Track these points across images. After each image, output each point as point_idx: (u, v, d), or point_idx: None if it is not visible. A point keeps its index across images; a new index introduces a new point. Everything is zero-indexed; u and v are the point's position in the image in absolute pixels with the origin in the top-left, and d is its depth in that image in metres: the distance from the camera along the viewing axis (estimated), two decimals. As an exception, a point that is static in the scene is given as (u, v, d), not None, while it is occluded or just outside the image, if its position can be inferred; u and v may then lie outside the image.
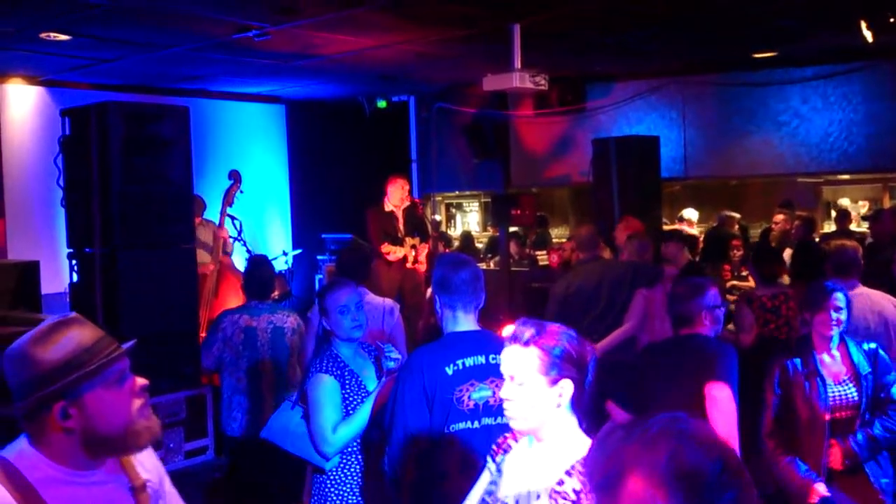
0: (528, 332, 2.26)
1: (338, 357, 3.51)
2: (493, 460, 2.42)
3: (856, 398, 3.89)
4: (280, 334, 4.92)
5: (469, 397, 2.98)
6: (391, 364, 3.45)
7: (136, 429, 1.90)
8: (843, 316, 3.91)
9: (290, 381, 4.83)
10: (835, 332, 3.93)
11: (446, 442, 2.95)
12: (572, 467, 2.13)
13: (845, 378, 3.92)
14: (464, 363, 2.99)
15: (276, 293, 8.51)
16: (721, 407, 3.41)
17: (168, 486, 2.13)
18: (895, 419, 3.89)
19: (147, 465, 2.05)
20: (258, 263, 5.27)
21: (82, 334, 1.89)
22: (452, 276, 3.06)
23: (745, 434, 3.95)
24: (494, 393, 3.01)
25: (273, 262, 9.38)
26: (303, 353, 4.86)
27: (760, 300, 5.46)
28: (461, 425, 2.97)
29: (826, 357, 3.96)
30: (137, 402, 1.91)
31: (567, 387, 2.22)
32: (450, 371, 2.97)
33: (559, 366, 2.22)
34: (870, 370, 3.92)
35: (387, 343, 3.73)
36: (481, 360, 3.02)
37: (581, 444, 2.21)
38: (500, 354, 3.08)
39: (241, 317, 4.95)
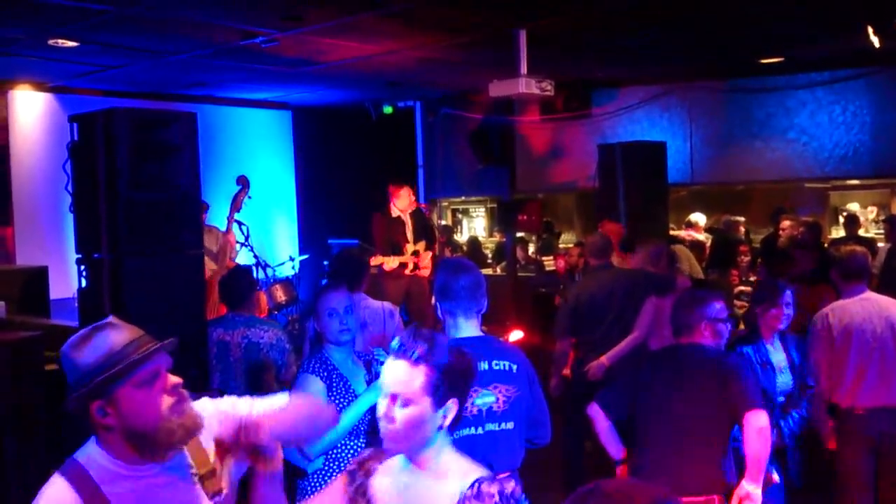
0: (420, 349, 2.07)
1: (328, 360, 3.46)
2: (353, 482, 2.19)
3: (791, 385, 4.32)
4: (255, 350, 4.75)
5: (472, 403, 2.97)
6: (380, 369, 3.44)
7: (168, 426, 1.98)
8: (791, 311, 4.32)
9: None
10: (783, 325, 4.33)
11: None
12: (463, 498, 1.99)
13: (784, 366, 4.33)
14: None
15: (284, 298, 8.54)
16: (763, 434, 3.38)
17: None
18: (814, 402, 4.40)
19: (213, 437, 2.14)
20: (234, 273, 5.20)
21: (114, 337, 2.00)
22: (452, 283, 3.06)
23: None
24: (498, 399, 3.02)
25: (278, 269, 9.44)
26: (283, 369, 4.79)
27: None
28: (465, 431, 2.96)
29: (770, 347, 4.35)
30: (169, 401, 1.99)
31: (452, 408, 2.09)
32: None
33: (446, 385, 2.07)
34: (800, 359, 4.36)
35: (378, 348, 3.69)
36: (484, 366, 3.01)
37: (465, 468, 2.09)
38: (502, 360, 3.07)
39: (214, 330, 4.82)
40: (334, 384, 3.41)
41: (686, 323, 3.72)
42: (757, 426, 3.38)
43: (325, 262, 10.81)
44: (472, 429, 2.97)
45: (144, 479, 2.00)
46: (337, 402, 3.40)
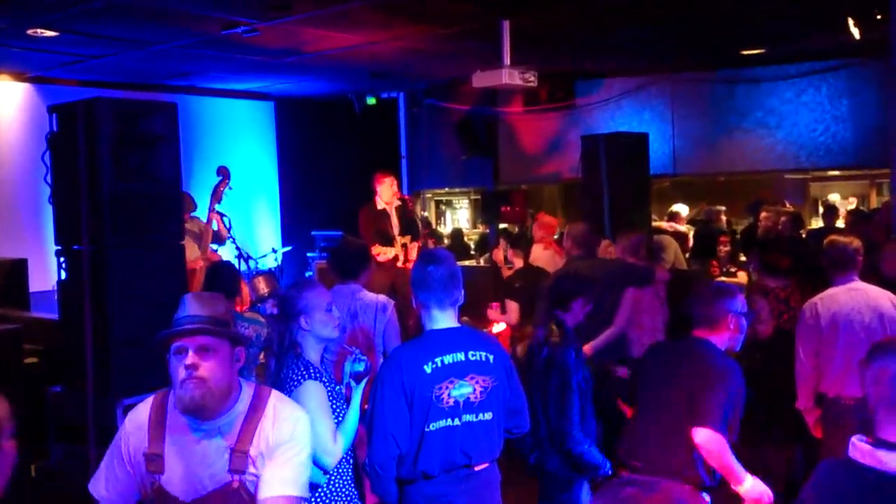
0: None
1: (310, 363, 3.18)
2: None
3: None
4: None
5: (449, 395, 2.96)
6: (359, 367, 3.22)
7: (177, 394, 2.33)
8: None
9: None
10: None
11: (427, 440, 2.94)
12: None
13: None
14: (443, 361, 2.98)
15: (267, 290, 8.50)
16: (705, 448, 3.31)
17: (279, 463, 2.35)
18: None
19: (273, 437, 2.36)
20: (218, 270, 5.10)
21: (181, 309, 2.40)
22: (426, 274, 3.04)
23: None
24: (475, 390, 3.00)
25: (261, 261, 9.40)
26: (266, 366, 4.66)
27: (775, 292, 5.46)
28: (441, 423, 2.96)
29: None
30: (182, 374, 2.31)
31: None
32: (428, 369, 2.95)
33: None
34: None
35: (354, 347, 3.48)
36: (460, 356, 3.00)
37: None
38: (479, 351, 3.05)
39: None
40: (327, 387, 3.17)
41: (710, 316, 3.58)
42: (697, 444, 3.31)
43: (309, 254, 10.79)
44: (450, 420, 2.96)
45: (185, 429, 2.37)
46: (332, 405, 3.20)
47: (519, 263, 7.15)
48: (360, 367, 3.22)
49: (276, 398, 2.47)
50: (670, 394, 3.54)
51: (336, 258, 4.75)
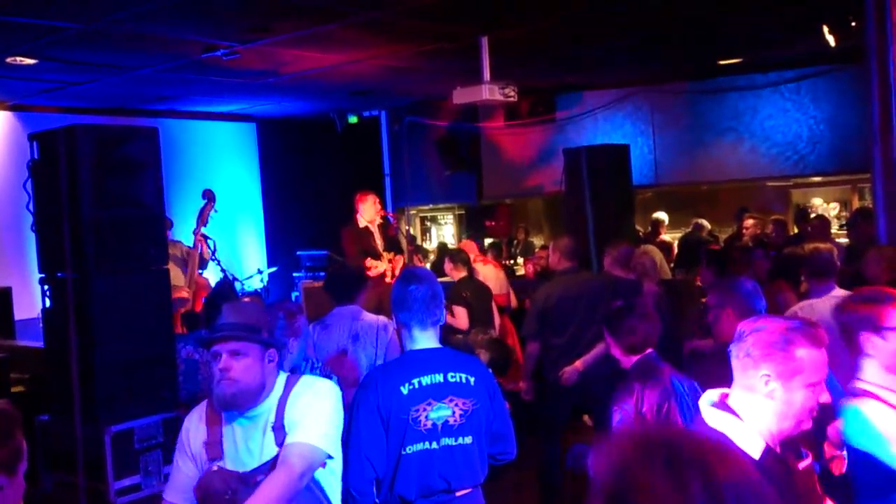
0: None
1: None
2: None
3: None
4: None
5: (427, 417, 2.88)
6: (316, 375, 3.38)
7: (214, 392, 2.66)
8: None
9: None
10: None
11: (404, 464, 2.87)
12: None
13: None
14: (420, 382, 2.90)
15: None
16: None
17: (301, 417, 2.65)
18: None
19: (298, 405, 2.67)
20: (221, 292, 5.09)
21: (220, 317, 2.69)
22: (407, 294, 2.97)
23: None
24: (454, 412, 2.92)
25: (246, 282, 9.37)
26: None
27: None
28: (419, 446, 2.88)
29: None
30: (217, 375, 2.64)
31: None
32: (405, 390, 2.88)
33: None
34: None
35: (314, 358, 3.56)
36: (439, 378, 2.93)
37: None
38: (459, 372, 2.99)
39: (183, 347, 4.76)
40: None
41: None
42: None
43: (295, 275, 10.76)
44: (427, 443, 2.90)
45: (234, 419, 2.70)
46: None
47: (460, 275, 7.48)
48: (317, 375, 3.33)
49: (304, 379, 2.81)
50: None
51: (333, 282, 4.70)
